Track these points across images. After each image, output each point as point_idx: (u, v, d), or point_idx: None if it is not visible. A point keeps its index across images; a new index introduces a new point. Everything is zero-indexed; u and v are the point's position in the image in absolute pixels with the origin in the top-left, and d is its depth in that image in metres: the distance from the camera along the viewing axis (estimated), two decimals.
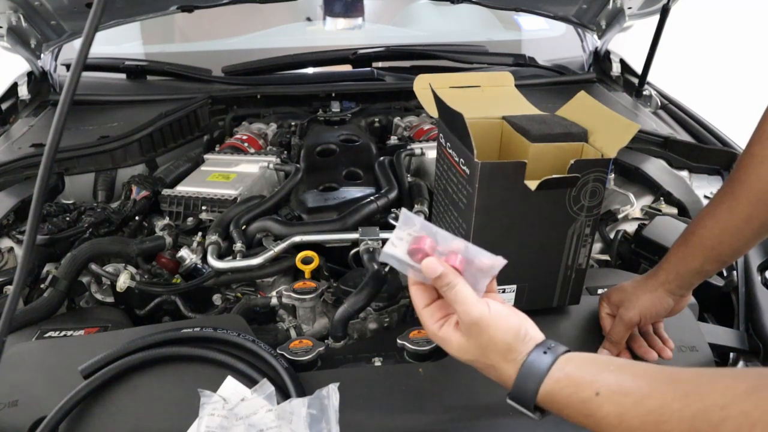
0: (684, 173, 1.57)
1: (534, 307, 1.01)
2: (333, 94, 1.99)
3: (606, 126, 0.96)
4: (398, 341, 0.96)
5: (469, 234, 0.93)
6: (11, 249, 1.30)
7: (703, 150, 1.59)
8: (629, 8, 1.93)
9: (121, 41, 2.39)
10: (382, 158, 1.55)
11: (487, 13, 2.57)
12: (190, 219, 1.36)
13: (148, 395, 0.87)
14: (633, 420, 0.57)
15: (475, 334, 0.68)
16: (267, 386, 0.83)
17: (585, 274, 1.01)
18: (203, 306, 1.22)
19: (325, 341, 1.02)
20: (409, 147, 1.59)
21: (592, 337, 1.01)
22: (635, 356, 0.98)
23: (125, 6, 1.80)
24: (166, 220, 1.35)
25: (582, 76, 2.10)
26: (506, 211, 0.91)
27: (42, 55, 1.89)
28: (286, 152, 1.68)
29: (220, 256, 1.21)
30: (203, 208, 1.38)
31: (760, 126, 0.86)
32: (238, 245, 1.21)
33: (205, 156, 1.64)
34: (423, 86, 1.14)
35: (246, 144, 1.72)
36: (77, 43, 1.03)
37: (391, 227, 1.25)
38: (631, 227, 1.35)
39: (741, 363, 1.05)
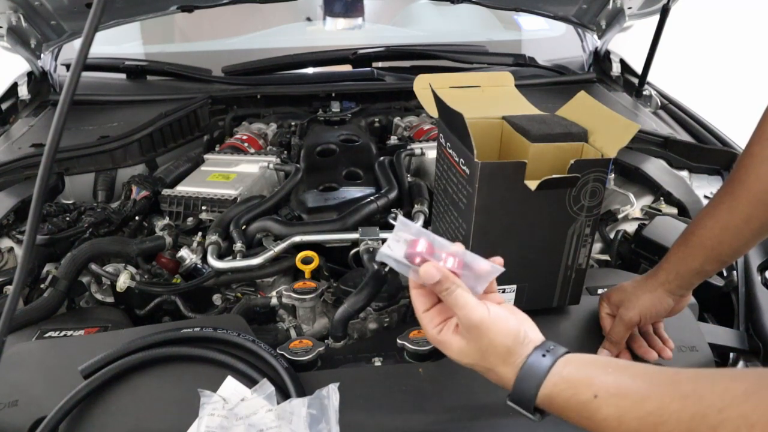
0: (684, 173, 1.57)
1: (534, 307, 1.01)
2: (333, 94, 1.99)
3: (606, 126, 0.96)
4: (398, 341, 0.96)
5: (469, 234, 0.93)
6: (11, 249, 1.30)
7: (703, 150, 1.59)
8: (629, 8, 1.92)
9: (121, 41, 2.39)
10: (382, 158, 1.55)
11: (487, 13, 2.56)
12: (190, 219, 1.36)
13: (148, 395, 0.87)
14: (632, 422, 0.57)
15: (475, 337, 0.68)
16: (267, 386, 0.83)
17: (585, 274, 1.01)
18: (203, 306, 1.22)
19: (325, 341, 1.02)
20: (409, 147, 1.59)
21: (592, 337, 1.01)
22: (635, 356, 0.98)
23: (125, 6, 1.80)
24: (166, 220, 1.35)
25: (582, 76, 2.10)
26: (506, 211, 0.91)
27: (42, 55, 1.89)
28: (286, 152, 1.68)
29: (220, 256, 1.21)
30: (203, 208, 1.38)
31: (759, 126, 0.86)
32: (238, 245, 1.21)
33: (205, 156, 1.64)
34: (423, 86, 1.14)
35: (246, 144, 1.72)
36: (77, 43, 1.03)
37: (391, 227, 1.25)
38: (631, 227, 1.35)
39: (741, 363, 1.05)
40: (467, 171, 0.91)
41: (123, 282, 1.15)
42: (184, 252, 1.25)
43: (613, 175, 1.53)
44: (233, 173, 1.50)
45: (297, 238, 1.22)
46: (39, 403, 0.85)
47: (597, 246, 1.36)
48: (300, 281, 1.12)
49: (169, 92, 1.94)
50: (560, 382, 0.63)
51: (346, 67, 2.19)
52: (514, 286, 0.99)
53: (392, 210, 1.34)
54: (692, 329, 1.02)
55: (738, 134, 1.47)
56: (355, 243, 1.23)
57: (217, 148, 1.73)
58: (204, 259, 1.22)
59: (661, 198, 1.43)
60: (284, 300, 1.11)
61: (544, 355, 0.66)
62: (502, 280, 0.97)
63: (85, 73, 0.80)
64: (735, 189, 0.87)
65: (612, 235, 1.33)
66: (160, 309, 1.21)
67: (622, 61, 2.12)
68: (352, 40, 2.27)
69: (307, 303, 1.10)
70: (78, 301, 1.23)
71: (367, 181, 1.48)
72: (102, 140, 1.60)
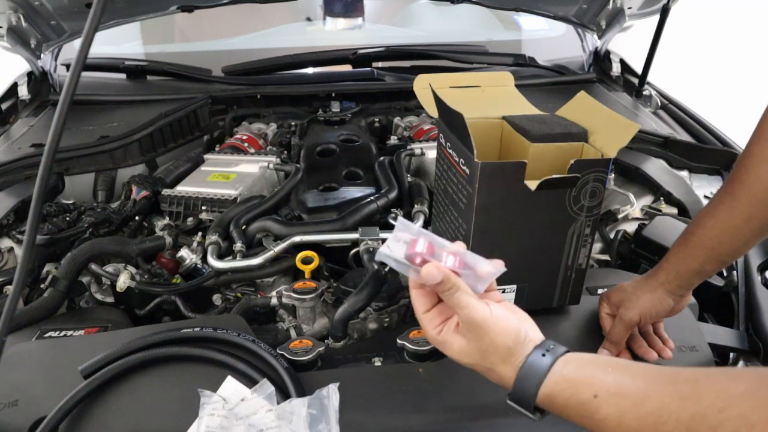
0: (684, 173, 1.57)
1: (534, 307, 1.01)
2: (333, 94, 1.99)
3: (606, 126, 0.96)
4: (398, 341, 0.96)
5: (469, 234, 0.93)
6: (11, 249, 1.30)
7: (703, 150, 1.59)
8: (629, 8, 1.92)
9: (121, 41, 2.39)
10: (382, 158, 1.55)
11: (487, 13, 2.56)
12: (190, 219, 1.36)
13: (148, 395, 0.87)
14: (632, 422, 0.57)
15: (476, 337, 0.68)
16: (267, 386, 0.83)
17: (585, 274, 1.01)
18: (203, 306, 1.22)
19: (325, 341, 1.02)
20: (409, 147, 1.59)
21: (592, 337, 1.01)
22: (635, 356, 0.98)
23: (125, 6, 1.80)
24: (166, 220, 1.35)
25: (582, 76, 2.10)
26: (506, 211, 0.91)
27: (42, 55, 1.89)
28: (286, 152, 1.68)
29: (220, 256, 1.21)
30: (203, 208, 1.38)
31: (759, 126, 0.86)
32: (238, 245, 1.21)
33: (205, 156, 1.64)
34: (423, 86, 1.14)
35: (246, 144, 1.72)
36: (77, 43, 1.03)
37: (391, 227, 1.25)
38: (631, 227, 1.35)
39: (741, 363, 1.05)
40: (467, 171, 0.91)
41: (123, 282, 1.15)
42: (184, 252, 1.25)
43: (613, 175, 1.53)
44: (233, 173, 1.50)
45: (297, 238, 1.22)
46: (39, 403, 0.85)
47: (597, 246, 1.36)
48: (300, 281, 1.12)
49: (169, 92, 1.94)
50: (560, 382, 0.63)
51: (346, 67, 2.19)
52: (514, 286, 0.99)
53: (392, 210, 1.34)
54: (692, 329, 1.02)
55: (738, 134, 1.47)
56: (355, 243, 1.23)
57: (217, 148, 1.73)
58: (204, 259, 1.22)
59: (661, 198, 1.43)
60: (284, 300, 1.11)
61: (544, 355, 0.66)
62: (502, 280, 0.97)
63: (85, 73, 0.81)
64: (735, 189, 0.87)
65: (612, 235, 1.33)
66: (160, 309, 1.21)
67: (622, 61, 2.12)
68: (352, 40, 2.27)
69: (307, 303, 1.10)
70: (78, 301, 1.23)
71: (367, 181, 1.48)
72: (102, 140, 1.59)
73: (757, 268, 1.19)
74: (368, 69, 2.12)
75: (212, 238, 1.23)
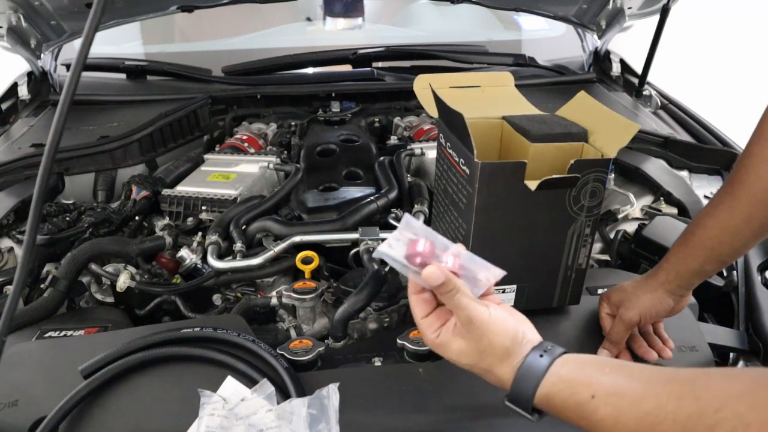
0: (684, 173, 1.57)
1: (534, 307, 1.01)
2: (333, 94, 1.99)
3: (606, 126, 0.96)
4: (398, 341, 0.96)
5: (469, 234, 0.93)
6: (11, 249, 1.30)
7: (703, 150, 1.59)
8: (629, 8, 1.92)
9: (121, 41, 2.39)
10: (382, 158, 1.55)
11: (487, 13, 2.56)
12: (190, 219, 1.36)
13: (148, 395, 0.87)
14: (629, 422, 0.58)
15: (475, 338, 0.68)
16: (267, 386, 0.83)
17: (585, 274, 1.01)
18: (203, 306, 1.22)
19: (325, 341, 1.02)
20: (409, 147, 1.59)
21: (592, 337, 1.01)
22: (635, 356, 0.98)
23: (125, 6, 1.80)
24: (166, 220, 1.35)
25: (582, 76, 2.10)
26: (506, 211, 0.91)
27: (42, 55, 1.89)
28: (286, 152, 1.68)
29: (220, 256, 1.21)
30: (203, 208, 1.38)
31: (759, 126, 0.86)
32: (238, 245, 1.21)
33: (205, 156, 1.64)
34: (423, 86, 1.14)
35: (246, 144, 1.72)
36: (77, 43, 1.04)
37: (391, 227, 1.25)
38: (631, 227, 1.35)
39: (741, 363, 1.05)
40: (467, 171, 0.91)
41: (123, 282, 1.15)
42: (184, 252, 1.25)
43: (613, 175, 1.53)
44: (233, 173, 1.50)
45: (297, 238, 1.22)
46: (39, 403, 0.85)
47: (597, 246, 1.36)
48: (300, 281, 1.12)
49: (169, 92, 1.94)
50: (558, 382, 0.63)
51: (346, 67, 2.19)
52: (514, 286, 0.99)
53: (392, 210, 1.34)
54: (692, 329, 1.02)
55: (738, 134, 1.47)
56: (355, 243, 1.23)
57: (217, 148, 1.73)
58: (204, 259, 1.22)
59: (661, 198, 1.43)
60: (284, 300, 1.11)
61: (541, 356, 0.66)
62: (502, 280, 0.97)
63: (85, 73, 0.80)
64: (735, 189, 0.87)
65: (612, 235, 1.33)
66: (160, 309, 1.21)
67: (622, 61, 2.12)
68: (352, 40, 2.27)
69: (307, 303, 1.10)
70: (78, 301, 1.23)
71: (367, 181, 1.48)
72: (102, 140, 1.59)
73: (757, 268, 1.19)
74: (368, 69, 2.12)
75: (212, 238, 1.23)
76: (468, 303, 0.68)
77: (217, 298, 1.21)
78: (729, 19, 3.75)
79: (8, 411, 0.85)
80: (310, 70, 2.20)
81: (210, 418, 0.80)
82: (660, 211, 1.37)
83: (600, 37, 2.09)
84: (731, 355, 1.07)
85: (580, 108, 1.04)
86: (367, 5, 2.18)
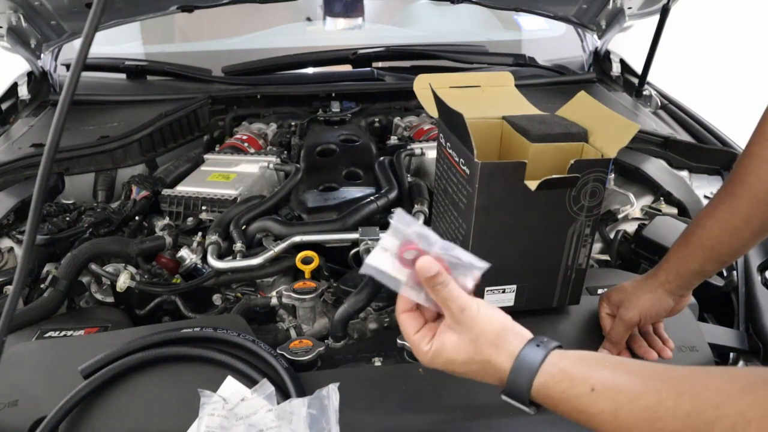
0: (684, 173, 1.57)
1: (534, 307, 1.01)
2: (333, 94, 1.99)
3: (606, 126, 0.96)
4: (398, 341, 0.96)
5: (469, 234, 0.93)
6: (11, 249, 1.30)
7: (703, 150, 1.59)
8: (629, 8, 1.92)
9: (121, 41, 2.39)
10: (382, 158, 1.55)
11: (487, 13, 2.56)
12: (190, 219, 1.36)
13: (148, 395, 0.87)
14: (628, 417, 0.58)
15: (467, 328, 0.68)
16: (267, 386, 0.83)
17: (585, 274, 1.01)
18: (203, 306, 1.22)
19: (325, 341, 1.02)
20: (409, 147, 1.59)
21: (592, 337, 1.01)
22: (635, 356, 0.97)
23: (125, 6, 1.80)
24: (166, 220, 1.35)
25: (582, 76, 2.10)
26: (506, 211, 0.91)
27: (42, 55, 1.89)
28: (286, 152, 1.68)
29: (220, 256, 1.21)
30: (203, 208, 1.38)
31: (759, 126, 0.86)
32: (238, 245, 1.21)
33: (205, 156, 1.64)
34: (423, 86, 1.14)
35: (246, 144, 1.72)
36: (77, 43, 1.03)
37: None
38: (631, 227, 1.35)
39: (741, 363, 1.05)
40: (467, 171, 0.91)
41: (123, 282, 1.15)
42: (184, 252, 1.25)
43: (613, 175, 1.53)
44: (233, 173, 1.50)
45: (297, 238, 1.22)
46: (39, 403, 0.85)
47: (597, 246, 1.36)
48: (300, 281, 1.12)
49: (169, 92, 1.94)
50: (557, 373, 0.63)
51: (346, 67, 2.19)
52: (514, 286, 0.99)
53: (392, 210, 1.34)
54: (692, 329, 1.02)
55: (738, 134, 1.47)
56: (355, 243, 1.23)
57: (217, 148, 1.73)
58: (204, 259, 1.22)
59: (661, 198, 1.43)
60: (284, 300, 1.11)
61: (538, 345, 0.66)
62: (502, 280, 0.98)
63: (85, 73, 0.81)
64: (735, 189, 0.87)
65: (612, 235, 1.33)
66: (160, 309, 1.21)
67: (622, 61, 2.12)
68: (352, 40, 2.27)
69: (307, 303, 1.10)
70: (78, 301, 1.23)
71: (367, 181, 1.48)
72: (102, 140, 1.60)
73: (757, 268, 1.20)
74: (368, 69, 2.12)
75: (212, 238, 1.23)
76: (459, 293, 0.69)
77: (217, 298, 1.21)
78: (729, 19, 3.75)
79: (8, 411, 0.85)
80: (310, 70, 2.20)
81: (210, 418, 0.80)
82: (660, 211, 1.37)
83: (600, 37, 2.09)
84: (731, 355, 1.07)
85: (580, 108, 1.04)
86: (367, 5, 2.18)
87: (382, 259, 0.70)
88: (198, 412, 0.81)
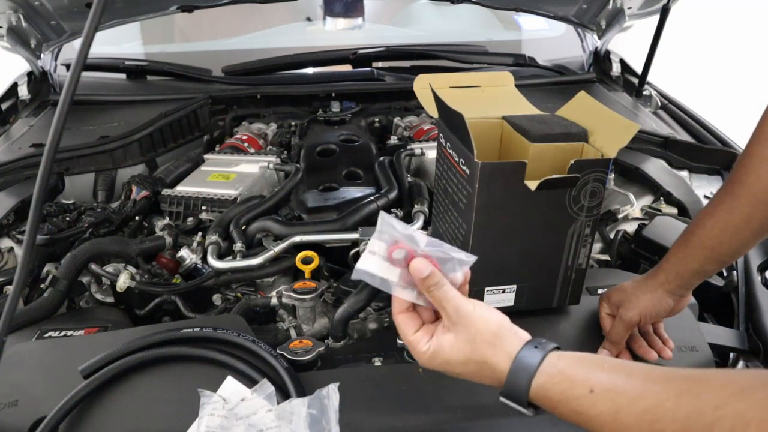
0: (684, 173, 1.57)
1: (534, 307, 1.01)
2: (333, 94, 1.99)
3: (606, 126, 0.96)
4: (398, 341, 0.96)
5: (469, 234, 0.93)
6: (11, 249, 1.30)
7: (703, 150, 1.59)
8: (629, 8, 1.93)
9: (121, 41, 2.39)
10: (382, 158, 1.55)
11: (487, 13, 2.56)
12: (190, 219, 1.36)
13: (148, 395, 0.87)
14: (627, 418, 0.58)
15: (463, 327, 0.68)
16: (267, 386, 0.83)
17: (585, 274, 1.01)
18: (203, 306, 1.22)
19: (325, 341, 1.02)
20: (409, 147, 1.59)
21: (592, 337, 1.01)
22: (635, 356, 0.98)
23: (125, 6, 1.80)
24: (166, 220, 1.35)
25: (582, 76, 2.10)
26: (506, 211, 0.91)
27: (42, 55, 1.89)
28: (286, 152, 1.68)
29: (220, 256, 1.21)
30: (203, 208, 1.38)
31: (759, 126, 0.86)
32: (238, 245, 1.21)
33: (205, 156, 1.64)
34: (423, 86, 1.14)
35: (246, 144, 1.72)
36: (77, 43, 1.03)
37: None
38: (631, 227, 1.35)
39: (741, 363, 1.05)
40: (467, 171, 0.91)
41: (123, 282, 1.15)
42: (184, 252, 1.25)
43: (613, 175, 1.53)
44: (233, 173, 1.50)
45: (297, 238, 1.22)
46: (39, 403, 0.85)
47: (597, 246, 1.36)
48: (300, 281, 1.12)
49: (169, 92, 1.94)
50: (555, 375, 0.63)
51: (346, 67, 2.19)
52: (514, 286, 0.99)
53: (392, 210, 1.34)
54: (692, 329, 1.02)
55: (738, 134, 1.47)
56: (355, 243, 1.23)
57: (217, 148, 1.73)
58: (204, 259, 1.22)
59: (661, 198, 1.43)
60: (284, 300, 1.11)
61: (536, 347, 0.66)
62: (502, 280, 0.98)
63: (85, 73, 0.80)
64: (735, 189, 0.87)
65: (612, 235, 1.33)
66: (160, 309, 1.21)
67: (622, 61, 2.12)
68: (352, 40, 2.27)
69: (307, 303, 1.10)
70: (78, 301, 1.23)
71: (367, 181, 1.48)
72: (102, 140, 1.60)
73: (757, 268, 1.19)
74: (368, 69, 2.12)
75: (212, 238, 1.23)
76: (455, 294, 0.69)
77: (217, 298, 1.21)
78: (729, 19, 3.75)
79: (8, 411, 0.85)
80: (310, 70, 2.20)
81: (210, 418, 0.80)
82: (660, 211, 1.37)
83: (600, 37, 2.10)
84: (731, 355, 1.07)
85: (580, 108, 1.04)
86: (367, 5, 2.18)
87: (372, 262, 0.70)
88: (198, 412, 0.81)
